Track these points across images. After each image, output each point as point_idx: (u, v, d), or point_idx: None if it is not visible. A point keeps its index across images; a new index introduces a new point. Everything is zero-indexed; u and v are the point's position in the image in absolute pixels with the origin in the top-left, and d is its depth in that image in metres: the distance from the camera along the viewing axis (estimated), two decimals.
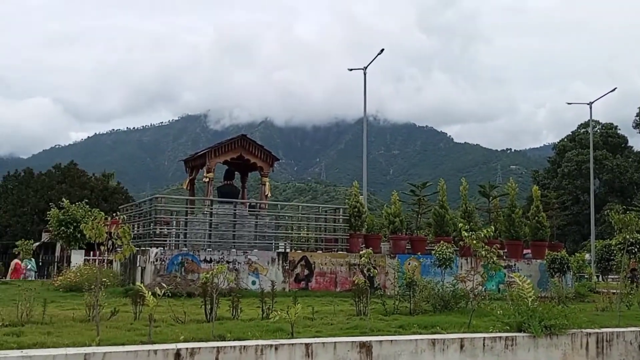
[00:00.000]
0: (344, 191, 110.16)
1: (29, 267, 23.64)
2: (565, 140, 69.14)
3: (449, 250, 13.34)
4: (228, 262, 15.41)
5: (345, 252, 17.43)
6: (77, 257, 23.41)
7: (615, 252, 19.86)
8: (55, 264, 26.56)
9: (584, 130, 63.17)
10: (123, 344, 6.60)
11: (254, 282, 15.76)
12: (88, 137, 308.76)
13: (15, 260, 22.68)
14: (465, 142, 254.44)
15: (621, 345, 9.04)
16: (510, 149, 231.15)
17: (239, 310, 9.41)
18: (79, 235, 21.32)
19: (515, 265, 18.69)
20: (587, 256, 31.22)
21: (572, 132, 69.28)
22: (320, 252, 17.42)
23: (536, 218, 19.41)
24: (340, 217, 18.38)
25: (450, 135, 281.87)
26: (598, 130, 66.05)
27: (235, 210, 17.66)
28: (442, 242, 14.49)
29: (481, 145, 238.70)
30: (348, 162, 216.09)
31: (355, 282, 9.89)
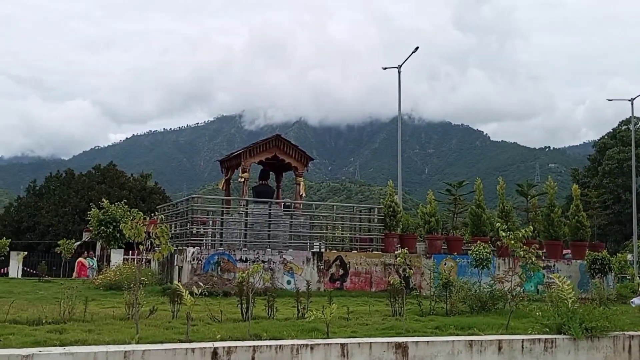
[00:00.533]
0: (378, 190, 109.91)
1: (94, 266, 24.20)
2: (606, 137, 67.47)
3: (486, 250, 13.18)
4: (263, 262, 15.50)
5: (380, 252, 17.37)
6: (117, 256, 23.88)
7: None
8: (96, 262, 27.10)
9: (625, 127, 61.55)
10: (162, 342, 6.69)
11: (289, 282, 15.83)
12: (126, 138, 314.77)
13: (80, 259, 23.14)
14: (502, 141, 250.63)
15: None
16: (549, 147, 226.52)
17: (274, 310, 9.45)
18: (118, 235, 21.71)
19: (554, 265, 18.35)
20: (629, 257, 30.44)
21: (612, 129, 67.59)
22: (355, 252, 17.40)
23: (576, 217, 19.03)
24: (375, 216, 18.32)
25: (486, 134, 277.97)
26: None
27: (270, 210, 17.75)
28: (479, 242, 14.32)
29: (519, 144, 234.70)
30: (382, 162, 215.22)
31: (391, 282, 9.84)
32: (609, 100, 39.21)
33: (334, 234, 18.94)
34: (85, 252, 25.04)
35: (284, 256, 16.10)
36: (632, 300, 7.77)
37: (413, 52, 30.49)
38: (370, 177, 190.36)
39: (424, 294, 14.07)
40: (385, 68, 32.49)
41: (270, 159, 18.73)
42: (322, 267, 16.31)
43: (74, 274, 23.20)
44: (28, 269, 27.56)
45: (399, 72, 31.32)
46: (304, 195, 19.27)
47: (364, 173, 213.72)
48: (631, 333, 8.69)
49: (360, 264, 16.66)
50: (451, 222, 23.18)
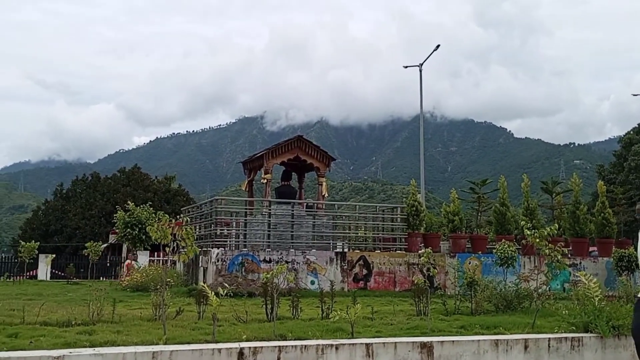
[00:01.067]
0: (400, 189, 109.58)
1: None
2: (632, 132, 66.29)
3: (511, 249, 13.10)
4: (287, 262, 15.54)
5: (403, 252, 17.33)
6: (143, 258, 24.16)
7: None
8: (122, 264, 27.44)
9: None
10: (189, 343, 6.78)
11: (312, 282, 15.88)
12: (150, 141, 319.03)
13: (128, 261, 23.45)
14: (526, 137, 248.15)
15: None
16: (574, 144, 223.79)
17: (299, 310, 9.50)
18: (144, 237, 21.94)
19: (580, 263, 18.15)
20: None
21: (638, 124, 66.44)
22: (379, 251, 17.38)
23: (602, 214, 18.78)
24: (398, 216, 18.28)
25: (510, 131, 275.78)
26: None
27: (292, 210, 17.82)
28: (503, 240, 14.22)
29: (543, 140, 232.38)
30: (405, 160, 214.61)
31: (415, 281, 9.82)
32: (634, 95, 38.58)
33: (357, 233, 18.94)
34: (132, 255, 25.38)
35: (307, 256, 16.14)
36: None
37: (434, 51, 30.38)
38: (393, 176, 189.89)
39: (449, 294, 13.99)
40: (406, 67, 32.43)
41: (292, 159, 18.80)
42: (345, 267, 16.33)
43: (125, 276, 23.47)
44: (56, 272, 28.02)
45: (420, 71, 31.22)
46: (326, 195, 19.30)
47: (386, 172, 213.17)
48: None
49: (384, 263, 16.64)
50: (475, 220, 23.06)
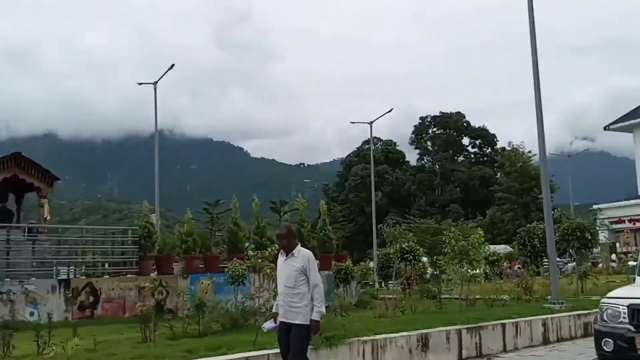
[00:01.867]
0: (137, 209, 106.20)
1: None
2: (351, 155, 74.35)
3: (241, 267, 13.55)
4: (2, 293, 14.18)
5: (134, 276, 16.80)
6: None
7: (393, 260, 21.76)
8: None
9: (367, 146, 68.37)
10: None
11: (32, 314, 14.56)
12: None
13: None
14: (262, 157, 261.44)
15: (394, 350, 9.84)
16: (304, 164, 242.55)
17: (11, 347, 8.59)
18: None
19: None
20: (371, 264, 33.57)
21: (357, 148, 74.72)
22: (107, 277, 16.63)
23: (323, 231, 20.58)
24: (130, 238, 17.73)
25: (247, 150, 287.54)
26: (380, 147, 72.11)
27: (9, 235, 16.19)
28: (234, 259, 14.67)
29: (277, 160, 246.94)
30: (143, 178, 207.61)
31: (138, 308, 9.60)
32: (352, 122, 43.18)
33: (85, 258, 17.87)
34: None
35: (25, 286, 14.73)
36: (263, 325, 7.15)
37: (169, 69, 30.34)
38: (130, 195, 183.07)
39: (181, 315, 13.92)
40: (140, 84, 31.77)
41: (9, 179, 17.13)
42: (70, 295, 15.25)
43: None
44: None
45: (155, 89, 30.91)
46: (49, 217, 17.98)
47: (124, 191, 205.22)
48: (364, 338, 9.58)
49: (113, 289, 15.93)
50: (212, 239, 23.38)
